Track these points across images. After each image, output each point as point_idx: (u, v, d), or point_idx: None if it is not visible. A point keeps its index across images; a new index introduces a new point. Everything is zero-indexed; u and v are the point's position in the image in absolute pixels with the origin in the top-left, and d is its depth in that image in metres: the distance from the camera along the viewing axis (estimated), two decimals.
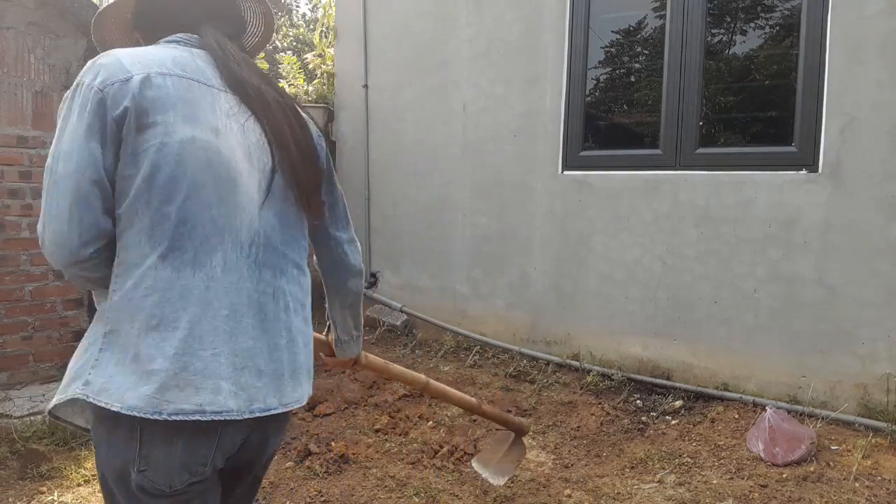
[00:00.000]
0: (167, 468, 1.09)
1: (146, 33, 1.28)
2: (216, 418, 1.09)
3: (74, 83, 1.10)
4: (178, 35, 1.23)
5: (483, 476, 2.47)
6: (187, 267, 1.09)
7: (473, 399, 2.35)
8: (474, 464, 2.52)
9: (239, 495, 1.35)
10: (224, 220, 1.13)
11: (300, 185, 1.23)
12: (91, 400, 1.06)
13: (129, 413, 1.04)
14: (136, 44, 1.29)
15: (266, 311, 1.17)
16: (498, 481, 2.46)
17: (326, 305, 1.59)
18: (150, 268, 1.08)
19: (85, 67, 1.11)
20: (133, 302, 1.08)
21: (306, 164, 1.25)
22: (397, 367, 2.10)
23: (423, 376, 2.18)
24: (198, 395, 1.07)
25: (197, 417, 1.07)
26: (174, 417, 1.05)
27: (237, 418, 1.11)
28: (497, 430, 3.02)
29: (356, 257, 1.48)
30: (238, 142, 1.16)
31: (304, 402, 1.25)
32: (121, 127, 1.07)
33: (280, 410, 1.18)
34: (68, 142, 1.06)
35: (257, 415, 1.14)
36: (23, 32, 3.49)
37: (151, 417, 1.04)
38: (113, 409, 1.04)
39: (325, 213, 1.37)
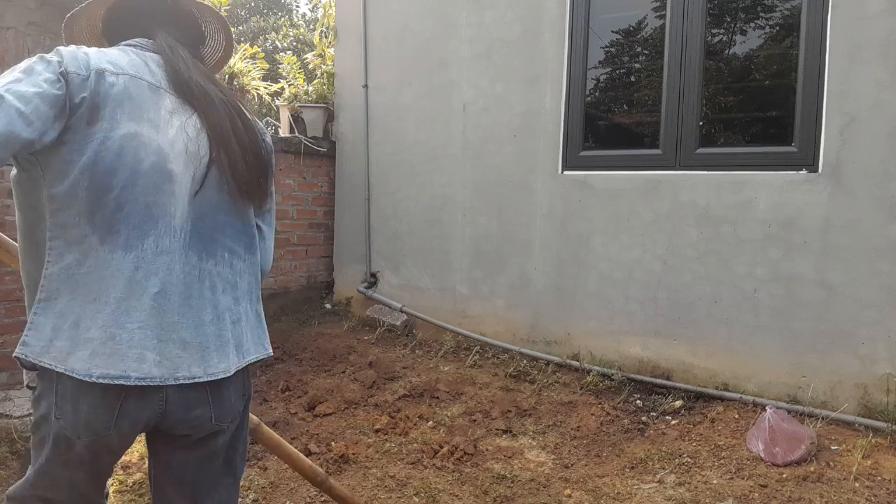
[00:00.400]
0: (76, 421, 1.22)
1: (111, 38, 1.42)
2: (139, 384, 1.22)
3: (42, 56, 1.19)
4: (135, 40, 1.36)
5: None
6: (119, 249, 1.22)
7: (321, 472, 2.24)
8: None
9: (197, 472, 1.43)
10: (158, 207, 1.25)
11: (237, 176, 1.34)
12: (32, 360, 1.19)
13: (68, 374, 1.18)
14: (102, 47, 1.39)
15: (192, 290, 1.30)
16: None
17: None
18: (91, 248, 1.21)
19: (52, 52, 1.21)
20: (74, 277, 1.21)
21: (246, 159, 1.36)
22: (287, 447, 2.03)
23: (321, 472, 2.17)
24: (123, 363, 1.20)
25: (121, 382, 1.20)
26: (101, 381, 1.19)
27: (160, 384, 1.24)
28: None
29: (267, 258, 1.57)
30: (177, 136, 1.28)
31: (231, 373, 1.34)
32: (73, 114, 1.17)
33: (204, 379, 1.29)
34: (28, 72, 1.15)
35: (181, 381, 1.26)
36: (23, 32, 3.49)
37: (83, 379, 1.18)
38: (57, 369, 1.18)
39: (261, 212, 1.49)
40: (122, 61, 1.27)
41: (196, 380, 1.28)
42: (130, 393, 1.23)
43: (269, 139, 1.51)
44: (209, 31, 1.55)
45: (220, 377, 1.31)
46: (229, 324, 1.35)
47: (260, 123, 1.49)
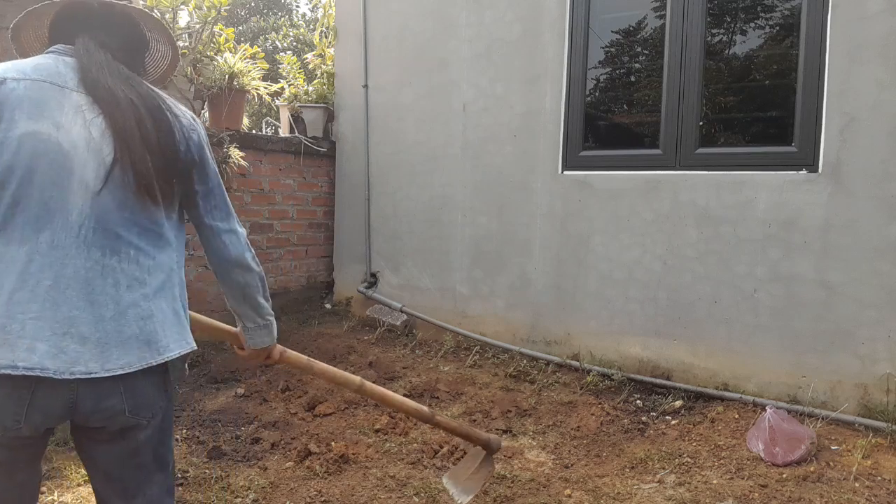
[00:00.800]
0: None
1: (51, 44, 1.49)
2: (27, 374, 1.23)
3: None
4: (57, 45, 1.43)
5: (450, 492, 2.48)
6: (14, 242, 1.27)
7: (425, 408, 2.33)
8: (445, 479, 2.54)
9: (122, 467, 1.45)
10: (56, 203, 1.29)
11: (140, 175, 1.36)
12: None
13: None
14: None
15: (94, 285, 1.32)
16: (462, 499, 2.44)
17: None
18: None
19: None
20: None
21: (152, 160, 1.37)
22: (323, 366, 2.05)
23: (356, 378, 2.16)
24: (12, 353, 1.23)
25: (9, 371, 1.22)
26: None
27: (55, 377, 1.25)
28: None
29: (237, 248, 1.61)
30: (80, 135, 1.32)
31: (135, 369, 1.35)
32: None
33: (102, 375, 1.30)
34: None
35: (78, 376, 1.27)
36: None
37: None
38: None
39: (198, 203, 1.53)
40: (29, 67, 1.35)
41: (93, 375, 1.29)
42: (41, 384, 1.26)
43: (197, 136, 1.51)
44: (154, 37, 1.61)
45: (118, 373, 1.32)
46: (134, 320, 1.35)
47: (187, 120, 1.49)
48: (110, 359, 1.31)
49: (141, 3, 4.59)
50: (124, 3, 1.51)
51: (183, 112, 1.49)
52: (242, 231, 1.66)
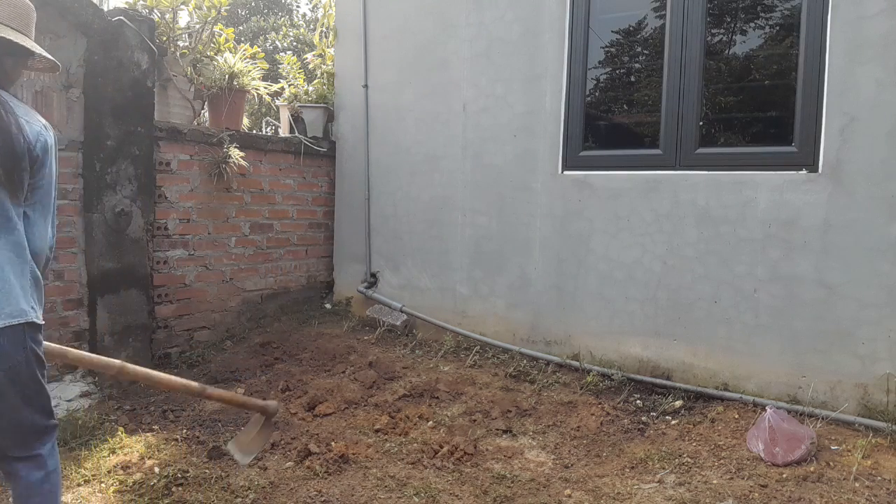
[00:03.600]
0: None
1: None
2: None
3: None
4: None
5: (235, 457, 2.77)
6: None
7: (194, 384, 2.55)
8: (229, 446, 2.83)
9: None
10: None
11: None
12: None
13: None
14: None
15: None
16: (245, 461, 2.77)
17: None
18: None
19: None
20: None
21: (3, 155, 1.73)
22: (76, 352, 2.33)
23: (115, 361, 2.41)
24: None
25: None
26: None
27: None
28: None
29: (42, 241, 1.90)
30: None
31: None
32: None
33: None
34: None
35: None
36: None
37: None
38: None
39: (28, 194, 1.82)
40: None
41: None
42: None
43: (44, 140, 1.85)
44: (36, 52, 1.91)
45: None
46: None
47: (38, 126, 1.84)
48: None
49: (139, 2, 4.59)
50: None
51: (36, 120, 1.84)
52: (51, 234, 1.95)
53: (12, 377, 1.81)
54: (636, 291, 4.05)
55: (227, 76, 4.61)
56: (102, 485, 2.76)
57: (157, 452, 3.07)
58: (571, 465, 3.04)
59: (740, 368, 3.72)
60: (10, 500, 1.98)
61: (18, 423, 1.88)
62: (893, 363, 3.33)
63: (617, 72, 4.33)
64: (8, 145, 1.73)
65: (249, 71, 4.79)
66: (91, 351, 3.84)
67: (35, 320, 1.84)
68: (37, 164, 1.81)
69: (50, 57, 1.95)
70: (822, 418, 3.33)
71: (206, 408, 3.59)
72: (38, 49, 1.89)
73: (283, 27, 13.15)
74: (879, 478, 2.80)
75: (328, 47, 5.83)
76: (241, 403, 2.78)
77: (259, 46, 6.78)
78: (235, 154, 4.48)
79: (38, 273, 1.88)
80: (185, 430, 3.31)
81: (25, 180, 1.79)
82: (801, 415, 3.40)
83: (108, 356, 3.81)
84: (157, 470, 2.89)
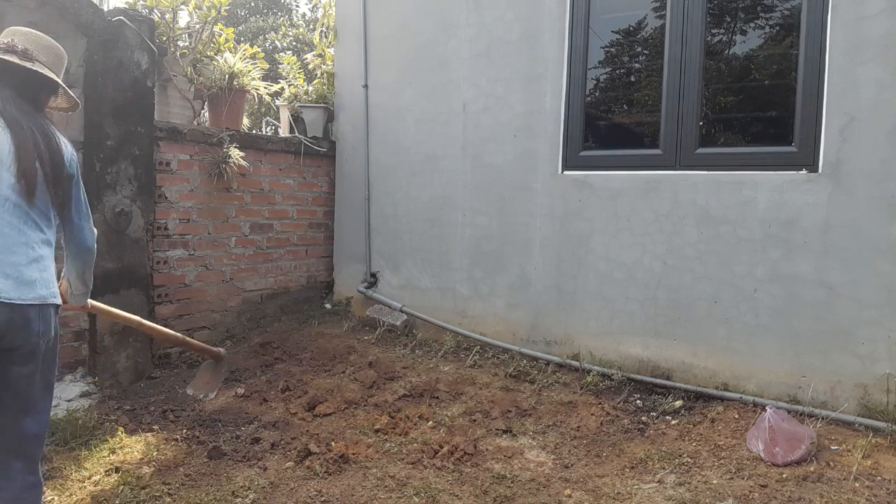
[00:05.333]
0: None
1: None
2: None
3: None
4: None
5: (199, 396, 3.51)
6: None
7: (173, 332, 3.45)
8: (188, 390, 3.62)
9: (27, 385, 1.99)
10: None
11: (29, 179, 1.97)
12: None
13: None
14: None
15: (10, 241, 1.95)
16: (210, 395, 3.60)
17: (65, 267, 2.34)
18: None
19: None
20: None
21: (43, 167, 2.01)
22: (116, 311, 2.93)
23: (135, 317, 3.12)
24: None
25: None
26: None
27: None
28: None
29: (91, 239, 2.29)
30: (3, 144, 1.97)
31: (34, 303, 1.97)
32: None
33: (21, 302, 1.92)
34: None
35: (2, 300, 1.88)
36: None
37: None
38: None
39: (71, 205, 2.15)
40: None
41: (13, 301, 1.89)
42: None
43: (75, 161, 2.18)
44: (59, 89, 2.24)
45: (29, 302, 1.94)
46: (37, 270, 1.99)
47: (70, 149, 2.15)
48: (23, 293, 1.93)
49: (139, 2, 4.59)
50: (36, 68, 2.08)
51: (66, 143, 2.15)
52: (95, 229, 2.31)
53: (47, 350, 2.03)
54: (636, 291, 4.05)
55: (227, 76, 4.61)
56: (102, 484, 2.76)
57: (157, 452, 3.07)
58: (571, 465, 3.04)
59: (740, 368, 3.72)
60: None
61: (35, 402, 2.03)
62: (893, 363, 3.33)
63: (617, 72, 4.33)
64: (59, 164, 2.07)
65: (249, 71, 4.79)
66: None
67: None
68: (73, 180, 2.15)
69: (74, 96, 2.32)
70: (822, 418, 3.33)
71: (206, 408, 3.59)
72: (69, 92, 2.27)
73: (283, 27, 13.15)
74: (879, 478, 2.80)
75: (328, 47, 5.83)
76: (198, 348, 3.56)
77: (259, 46, 6.78)
78: (235, 154, 4.48)
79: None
80: (185, 430, 3.31)
81: (64, 192, 2.11)
82: (801, 415, 3.40)
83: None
84: (157, 470, 2.89)
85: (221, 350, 3.68)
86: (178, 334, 3.44)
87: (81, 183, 2.23)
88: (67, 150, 2.14)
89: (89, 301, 2.58)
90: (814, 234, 3.51)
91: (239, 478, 2.84)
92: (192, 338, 4.41)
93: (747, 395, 3.62)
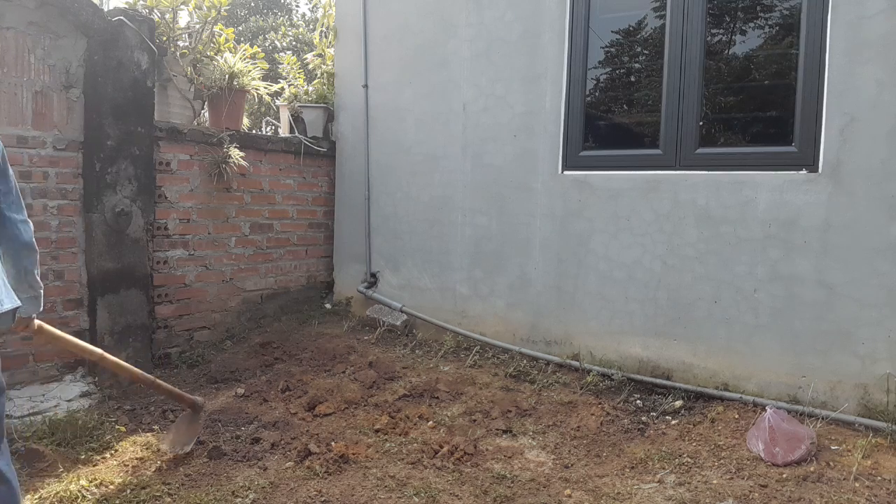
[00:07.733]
0: None
1: None
2: None
3: None
4: None
5: (176, 450, 3.04)
6: None
7: (149, 376, 3.10)
8: (163, 445, 3.12)
9: None
10: None
11: None
12: None
13: None
14: None
15: None
16: (186, 449, 3.05)
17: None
18: None
19: None
20: None
21: None
22: (74, 341, 2.68)
23: (97, 350, 2.83)
24: None
25: None
26: None
27: None
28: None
29: (28, 234, 2.17)
30: None
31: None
32: None
33: None
34: None
35: None
36: (23, 32, 3.49)
37: None
38: None
39: (0, 199, 2.07)
40: None
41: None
42: None
43: (1, 151, 2.09)
44: None
45: None
46: None
47: None
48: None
49: (139, 2, 4.59)
50: None
51: None
52: (31, 223, 2.20)
53: None
54: (636, 291, 4.05)
55: (227, 76, 4.61)
56: (102, 485, 2.76)
57: (157, 452, 3.07)
58: (571, 465, 3.04)
59: (740, 368, 3.72)
60: None
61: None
62: (893, 363, 3.33)
63: (617, 72, 4.33)
64: None
65: (249, 71, 4.79)
66: None
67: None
68: (1, 170, 2.08)
69: None
70: (822, 418, 3.33)
71: (206, 408, 3.59)
72: None
73: (283, 27, 13.14)
74: (879, 478, 2.80)
75: (328, 47, 5.83)
76: (173, 395, 3.19)
77: (258, 46, 6.77)
78: (235, 154, 4.48)
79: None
80: None
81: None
82: (801, 415, 3.40)
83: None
84: (156, 470, 2.89)
85: (198, 399, 3.31)
86: (149, 376, 3.11)
87: (12, 174, 2.14)
88: None
89: (36, 322, 2.35)
90: (814, 234, 3.51)
91: (239, 478, 2.84)
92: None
93: (747, 395, 3.62)
